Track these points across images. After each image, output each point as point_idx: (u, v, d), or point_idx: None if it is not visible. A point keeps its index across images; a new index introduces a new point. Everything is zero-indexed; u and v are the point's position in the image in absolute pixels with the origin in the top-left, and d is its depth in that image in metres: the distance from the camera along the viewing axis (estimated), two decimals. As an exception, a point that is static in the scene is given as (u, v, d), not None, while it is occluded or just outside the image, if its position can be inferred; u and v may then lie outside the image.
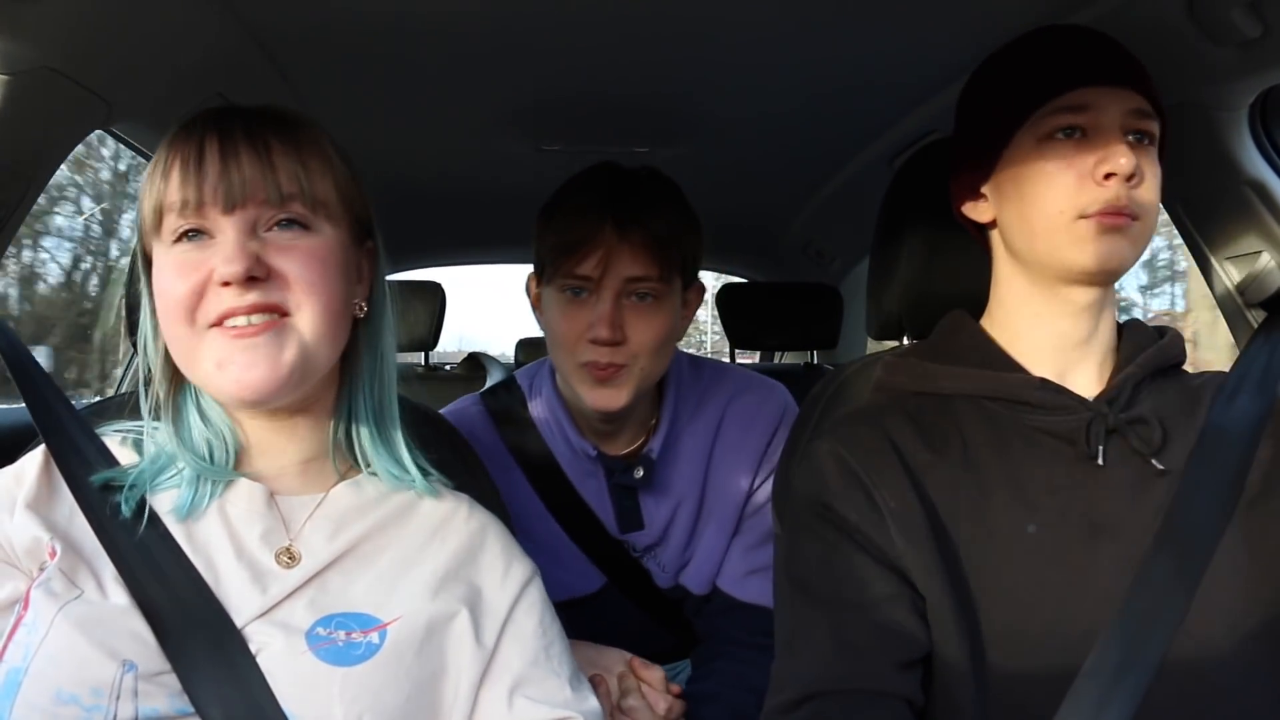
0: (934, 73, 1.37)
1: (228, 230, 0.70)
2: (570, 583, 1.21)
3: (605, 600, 1.23)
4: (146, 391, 0.79)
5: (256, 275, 0.69)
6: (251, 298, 0.69)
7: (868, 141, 1.74)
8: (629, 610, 1.25)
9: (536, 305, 1.21)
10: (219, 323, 0.70)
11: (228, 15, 1.11)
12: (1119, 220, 0.81)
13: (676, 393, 1.23)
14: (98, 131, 1.16)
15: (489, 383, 1.72)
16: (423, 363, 2.39)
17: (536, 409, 1.24)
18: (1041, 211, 0.83)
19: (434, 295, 2.28)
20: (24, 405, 0.81)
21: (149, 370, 0.79)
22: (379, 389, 0.82)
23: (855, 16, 1.18)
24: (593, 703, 0.78)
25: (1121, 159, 0.80)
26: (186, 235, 0.71)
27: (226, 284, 0.69)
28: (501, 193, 2.16)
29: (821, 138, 1.76)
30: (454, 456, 1.00)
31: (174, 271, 0.71)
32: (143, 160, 1.42)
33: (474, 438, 1.14)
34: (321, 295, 0.72)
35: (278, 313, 0.71)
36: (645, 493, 1.22)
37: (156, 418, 0.79)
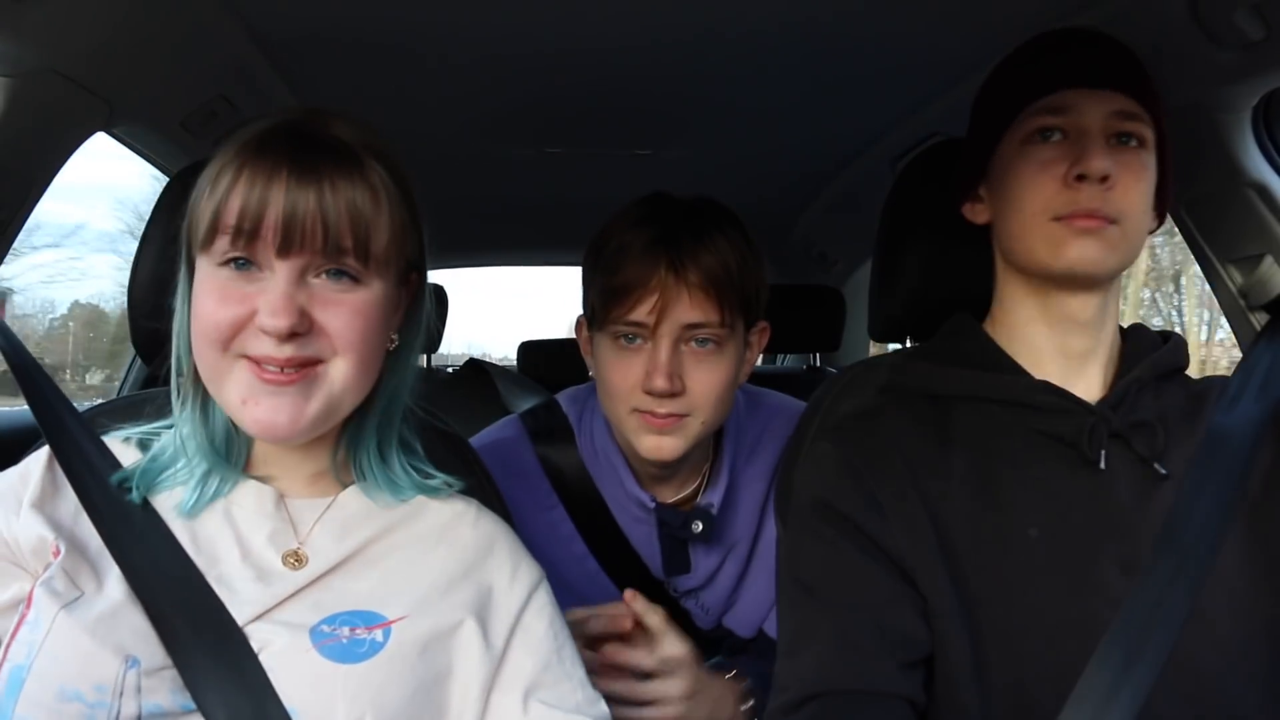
0: (935, 76, 1.37)
1: (279, 274, 0.69)
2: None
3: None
4: (179, 380, 0.77)
5: (298, 331, 0.69)
6: (288, 350, 0.69)
7: (869, 144, 1.75)
8: None
9: (586, 352, 1.13)
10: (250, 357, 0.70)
11: (229, 18, 1.12)
12: (1090, 223, 0.80)
13: (736, 435, 1.16)
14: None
15: (501, 390, 1.70)
16: (424, 364, 2.39)
17: (586, 445, 1.17)
18: (1020, 213, 0.84)
19: (436, 298, 2.27)
20: (27, 407, 0.82)
21: (179, 360, 0.77)
22: (388, 418, 0.81)
23: (856, 20, 1.18)
24: (603, 707, 0.78)
25: (1094, 161, 0.79)
26: (235, 262, 0.70)
27: (266, 332, 0.68)
28: (504, 195, 2.16)
29: (824, 140, 1.76)
30: (458, 463, 1.00)
31: (218, 297, 0.70)
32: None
33: (517, 470, 1.09)
34: (359, 350, 0.72)
35: (312, 364, 0.71)
36: (697, 541, 1.15)
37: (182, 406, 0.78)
